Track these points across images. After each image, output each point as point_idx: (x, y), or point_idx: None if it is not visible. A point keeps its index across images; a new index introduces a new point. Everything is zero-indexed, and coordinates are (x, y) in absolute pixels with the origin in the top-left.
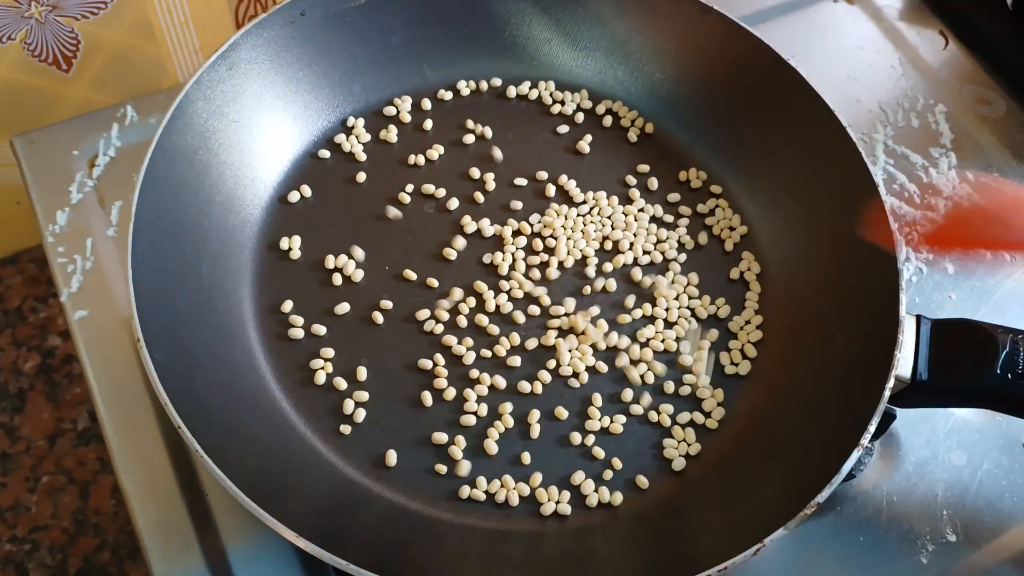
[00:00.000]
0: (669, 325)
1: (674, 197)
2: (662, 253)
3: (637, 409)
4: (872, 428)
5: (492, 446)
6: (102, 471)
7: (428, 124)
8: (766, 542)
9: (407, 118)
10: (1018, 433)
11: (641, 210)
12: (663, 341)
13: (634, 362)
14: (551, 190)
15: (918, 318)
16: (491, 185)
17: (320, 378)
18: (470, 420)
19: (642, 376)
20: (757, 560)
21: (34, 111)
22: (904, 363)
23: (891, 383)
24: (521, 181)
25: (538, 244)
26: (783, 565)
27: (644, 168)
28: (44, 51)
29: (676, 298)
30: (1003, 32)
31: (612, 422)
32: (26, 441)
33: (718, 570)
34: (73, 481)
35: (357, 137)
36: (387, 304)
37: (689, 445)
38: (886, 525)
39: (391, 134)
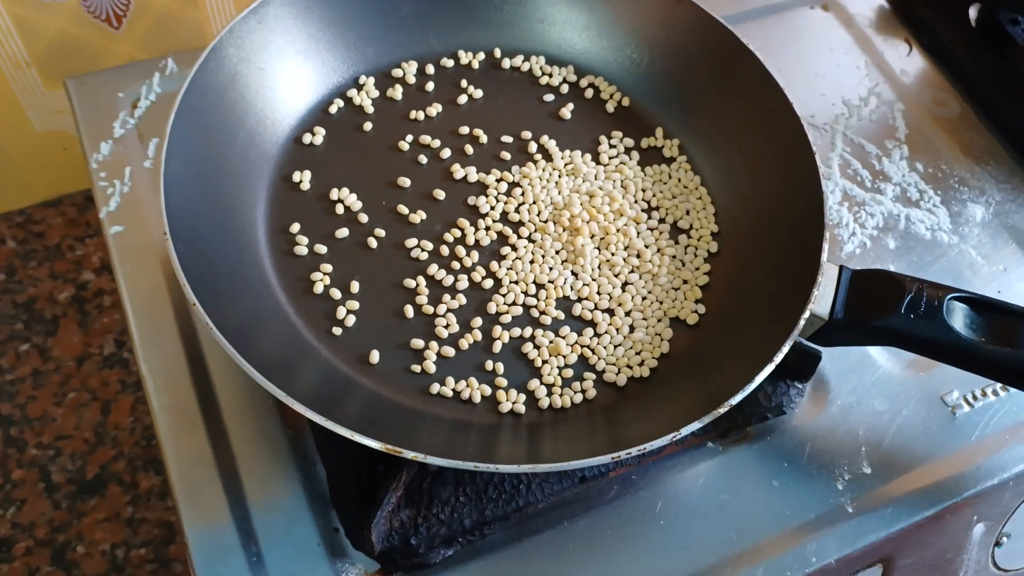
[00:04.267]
0: (627, 262)
1: (640, 158)
2: (627, 203)
3: (589, 331)
4: (785, 348)
5: (461, 354)
6: (123, 391)
7: (430, 86)
8: (681, 431)
9: (412, 80)
10: (937, 387)
11: (615, 169)
12: (618, 275)
13: (586, 295)
14: (533, 147)
15: (840, 267)
16: (480, 140)
17: (318, 288)
18: (443, 332)
19: (595, 305)
20: (695, 474)
21: (84, 63)
22: (823, 303)
23: (807, 314)
24: (507, 138)
25: (517, 191)
26: (715, 480)
27: (617, 134)
28: (99, 8)
29: (627, 246)
30: (963, 43)
31: (566, 342)
32: (56, 361)
33: (638, 450)
34: (96, 399)
35: (367, 93)
36: (380, 232)
37: (632, 369)
38: (809, 455)
39: (397, 92)
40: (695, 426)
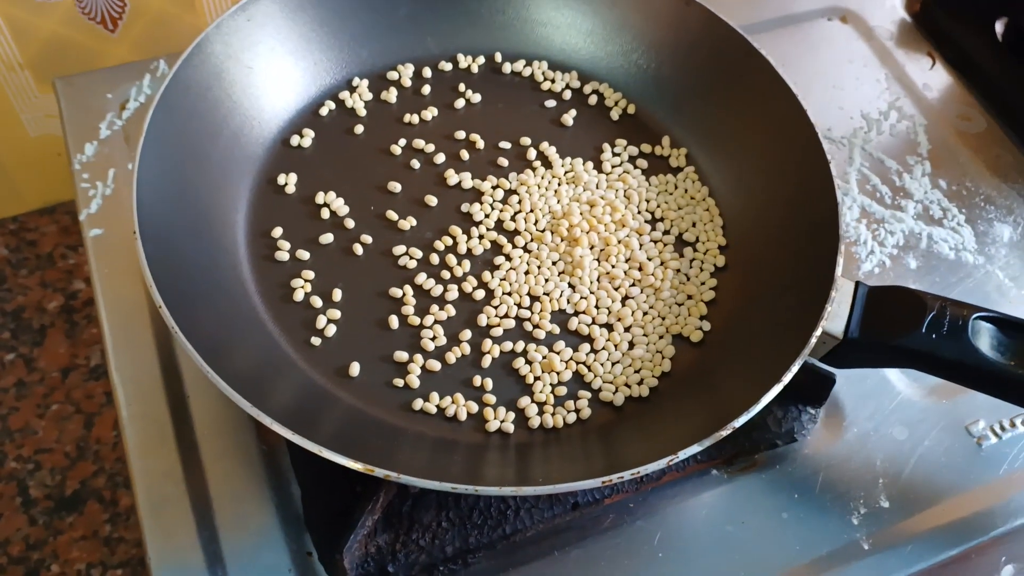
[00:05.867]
0: (628, 275)
1: (646, 167)
2: (630, 213)
3: (585, 347)
4: (795, 368)
5: (448, 368)
6: (108, 405)
7: (426, 89)
8: (679, 455)
9: (408, 83)
10: (961, 416)
11: (618, 178)
12: (618, 288)
13: (583, 309)
14: (532, 154)
15: (857, 283)
16: (477, 145)
17: (298, 295)
18: (429, 345)
19: (593, 319)
20: (698, 504)
21: (79, 66)
22: (837, 320)
23: (819, 332)
24: (505, 144)
25: (513, 199)
26: (720, 511)
27: (622, 142)
28: (94, 10)
29: (629, 258)
30: (990, 58)
31: (560, 358)
32: (41, 372)
33: (632, 474)
34: (80, 411)
35: (360, 95)
36: (367, 239)
37: (630, 388)
38: (822, 486)
39: (391, 95)
40: (694, 449)
